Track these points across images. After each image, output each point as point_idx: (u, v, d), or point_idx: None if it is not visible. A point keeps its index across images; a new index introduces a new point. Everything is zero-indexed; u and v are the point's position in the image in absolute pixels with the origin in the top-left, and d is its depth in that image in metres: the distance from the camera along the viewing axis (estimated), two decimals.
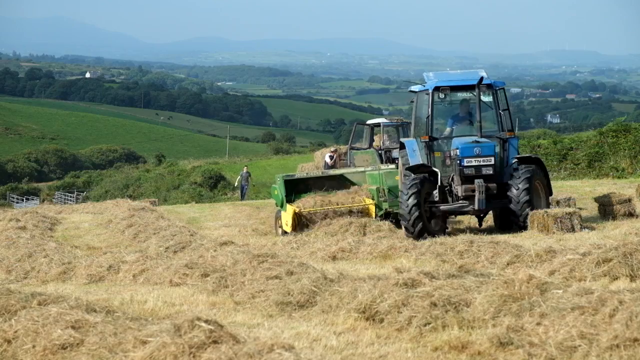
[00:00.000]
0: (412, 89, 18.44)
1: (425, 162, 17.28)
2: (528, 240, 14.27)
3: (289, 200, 19.56)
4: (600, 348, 6.19)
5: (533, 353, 6.36)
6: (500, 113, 17.47)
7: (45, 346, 6.68)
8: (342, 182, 20.65)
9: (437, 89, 17.44)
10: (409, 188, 16.55)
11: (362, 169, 21.21)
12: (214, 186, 56.40)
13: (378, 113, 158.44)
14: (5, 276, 13.71)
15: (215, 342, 6.03)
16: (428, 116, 17.32)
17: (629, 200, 17.89)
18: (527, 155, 17.42)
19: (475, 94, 17.36)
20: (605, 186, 25.57)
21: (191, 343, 6.01)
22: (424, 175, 16.89)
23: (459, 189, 16.86)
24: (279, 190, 19.78)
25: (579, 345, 6.29)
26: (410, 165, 17.33)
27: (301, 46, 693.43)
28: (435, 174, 17.04)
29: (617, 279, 9.57)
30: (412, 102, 18.32)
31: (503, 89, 17.81)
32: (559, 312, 6.80)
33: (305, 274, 9.86)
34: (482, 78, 17.24)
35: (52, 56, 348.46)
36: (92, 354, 6.47)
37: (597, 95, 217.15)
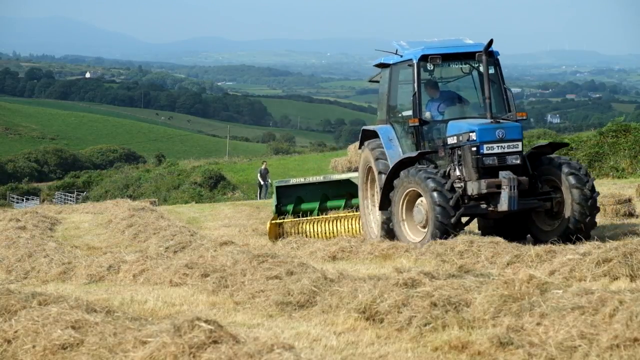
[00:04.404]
0: (383, 62, 15.10)
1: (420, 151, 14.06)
2: (528, 240, 14.27)
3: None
4: (600, 348, 6.19)
5: (533, 353, 6.36)
6: (505, 89, 14.35)
7: (45, 346, 6.68)
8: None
9: (424, 58, 14.12)
10: (441, 178, 13.34)
11: None
12: (214, 186, 56.43)
13: None
14: (5, 276, 13.70)
15: (215, 342, 6.04)
16: (415, 93, 14.02)
17: (629, 200, 17.88)
18: (556, 141, 13.66)
19: (474, 65, 14.33)
20: (605, 186, 25.54)
21: (191, 343, 6.01)
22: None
23: (474, 186, 13.30)
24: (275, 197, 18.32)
25: (579, 345, 6.29)
26: (401, 157, 14.06)
27: (301, 46, 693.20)
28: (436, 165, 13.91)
29: (617, 279, 9.57)
30: (376, 80, 15.74)
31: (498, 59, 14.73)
32: (559, 312, 6.80)
33: (305, 274, 9.86)
34: (491, 41, 13.77)
35: (52, 56, 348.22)
36: (92, 354, 6.47)
37: (597, 95, 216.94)
